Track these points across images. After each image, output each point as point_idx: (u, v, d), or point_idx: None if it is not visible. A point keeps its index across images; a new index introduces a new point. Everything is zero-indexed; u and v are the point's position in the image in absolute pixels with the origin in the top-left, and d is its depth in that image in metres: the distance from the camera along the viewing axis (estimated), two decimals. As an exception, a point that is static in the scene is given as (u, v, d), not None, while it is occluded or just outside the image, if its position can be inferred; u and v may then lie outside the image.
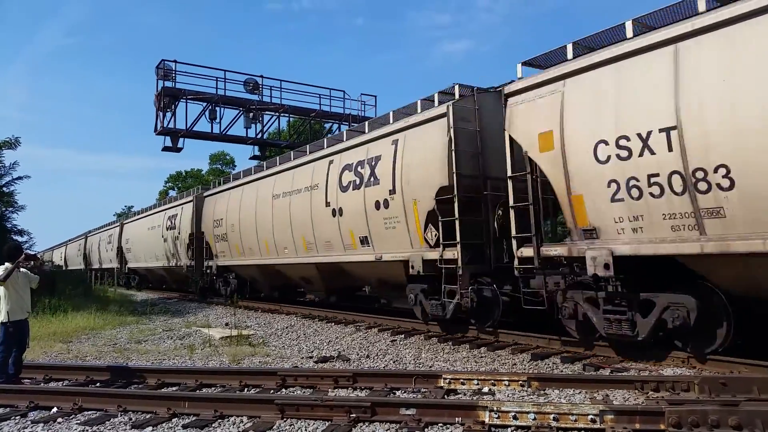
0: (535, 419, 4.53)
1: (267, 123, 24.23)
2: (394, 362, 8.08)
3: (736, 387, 5.06)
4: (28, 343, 7.31)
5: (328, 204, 11.97)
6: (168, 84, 21.31)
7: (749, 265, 5.83)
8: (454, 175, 8.97)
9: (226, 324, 12.88)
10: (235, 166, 52.08)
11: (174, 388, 6.54)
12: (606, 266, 6.79)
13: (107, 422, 5.25)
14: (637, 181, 6.46)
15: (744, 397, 4.78)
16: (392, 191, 10.11)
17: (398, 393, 6.05)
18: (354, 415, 4.93)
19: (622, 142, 6.55)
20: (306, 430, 4.83)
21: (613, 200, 6.76)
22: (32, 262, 7.48)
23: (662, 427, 4.19)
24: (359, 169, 11.09)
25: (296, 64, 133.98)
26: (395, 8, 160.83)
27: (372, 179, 10.67)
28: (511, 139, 8.23)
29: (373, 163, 10.69)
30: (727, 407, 4.18)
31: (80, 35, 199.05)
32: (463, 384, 6.05)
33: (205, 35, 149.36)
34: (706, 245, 5.96)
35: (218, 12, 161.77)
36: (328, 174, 12.16)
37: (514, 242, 8.19)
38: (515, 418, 4.58)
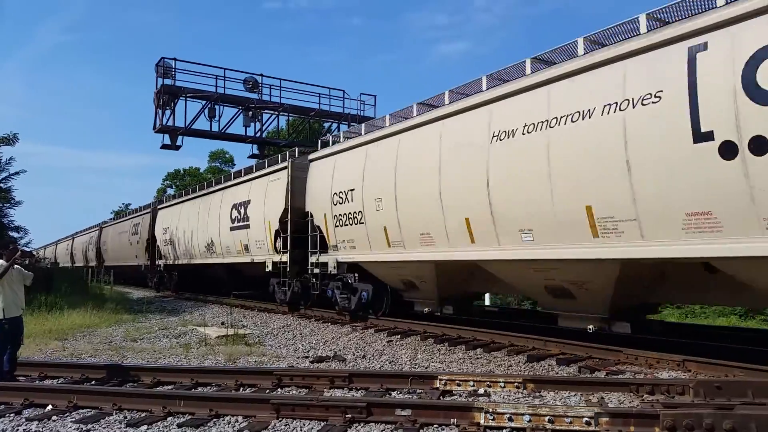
0: (530, 421, 4.52)
1: (266, 122, 24.21)
2: (390, 363, 8.08)
3: (732, 390, 5.06)
4: (22, 340, 7.29)
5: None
6: (167, 82, 21.28)
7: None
8: None
9: (222, 323, 12.87)
10: (235, 164, 51.99)
11: (169, 387, 6.53)
12: None
13: (102, 420, 5.23)
14: None
15: (739, 400, 4.79)
16: None
17: (394, 394, 6.05)
18: (350, 416, 4.93)
19: None
20: (301, 430, 4.83)
21: None
22: (27, 259, 7.47)
23: (657, 430, 4.20)
24: None
25: (294, 64, 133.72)
26: (391, 9, 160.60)
27: None
28: None
29: None
30: (722, 411, 4.19)
31: (78, 32, 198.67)
32: (458, 385, 6.06)
33: (202, 34, 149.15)
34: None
35: (216, 10, 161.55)
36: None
37: None
38: (510, 419, 4.58)
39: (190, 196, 21.54)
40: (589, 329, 7.67)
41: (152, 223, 24.61)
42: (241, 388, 6.44)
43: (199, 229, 19.40)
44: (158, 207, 25.08)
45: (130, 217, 29.74)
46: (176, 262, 22.19)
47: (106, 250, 33.54)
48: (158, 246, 23.91)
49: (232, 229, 16.80)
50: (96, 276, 34.03)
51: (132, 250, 27.49)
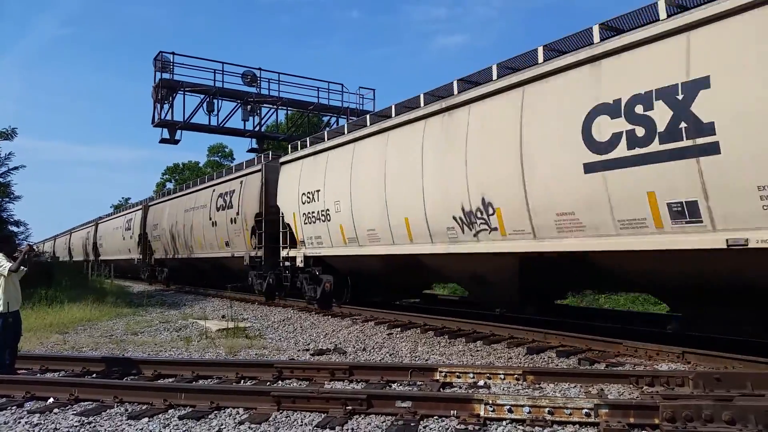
0: (530, 412, 4.54)
1: (265, 116, 24.21)
2: (390, 355, 8.10)
3: (730, 382, 5.07)
4: (21, 332, 7.32)
5: None
6: (166, 76, 21.25)
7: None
8: None
9: (223, 316, 12.89)
10: (234, 158, 51.87)
11: (170, 380, 6.55)
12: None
13: (103, 413, 5.25)
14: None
15: (738, 392, 4.81)
16: None
17: (394, 386, 6.07)
18: (350, 408, 4.94)
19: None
20: (302, 422, 4.85)
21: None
22: (30, 254, 7.48)
23: (656, 421, 4.21)
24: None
25: (292, 58, 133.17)
26: (390, 1, 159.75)
27: None
28: None
29: None
30: (721, 402, 4.21)
31: (75, 26, 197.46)
32: (458, 377, 6.07)
33: (200, 28, 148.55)
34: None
35: (213, 4, 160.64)
36: None
37: None
38: (510, 411, 4.59)
39: (387, 124, 10.42)
40: None
41: (264, 188, 15.01)
42: (242, 381, 6.46)
43: (437, 184, 9.06)
44: (282, 161, 14.43)
45: (208, 185, 18.94)
46: (356, 253, 11.56)
47: (159, 236, 22.78)
48: (290, 226, 13.68)
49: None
50: (143, 273, 25.71)
51: (219, 234, 17.25)
